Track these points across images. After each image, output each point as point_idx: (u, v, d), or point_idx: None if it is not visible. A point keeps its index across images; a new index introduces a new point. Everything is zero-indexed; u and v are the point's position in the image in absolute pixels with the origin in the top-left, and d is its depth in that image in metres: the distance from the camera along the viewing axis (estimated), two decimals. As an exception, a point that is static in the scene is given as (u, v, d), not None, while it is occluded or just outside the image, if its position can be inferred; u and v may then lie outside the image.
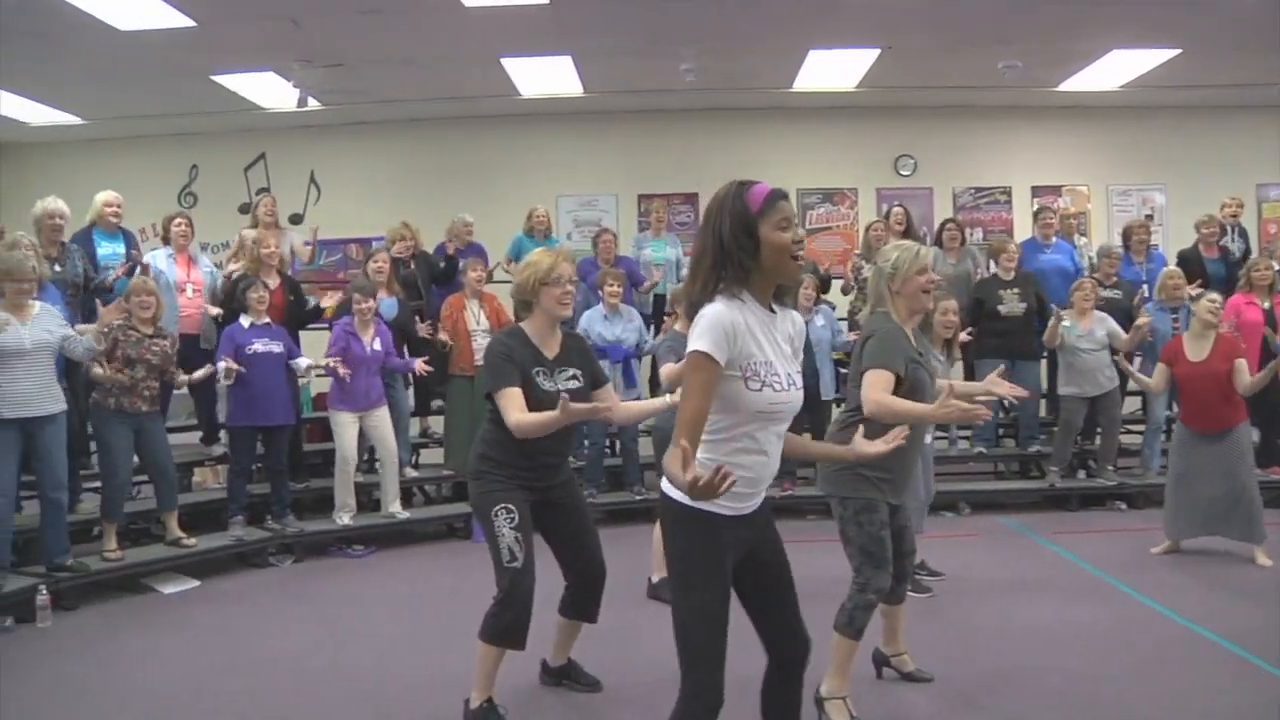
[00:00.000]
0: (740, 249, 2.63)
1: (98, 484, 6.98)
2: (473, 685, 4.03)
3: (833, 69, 9.94)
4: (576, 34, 8.75)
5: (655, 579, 5.80)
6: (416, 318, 8.03)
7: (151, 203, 11.00)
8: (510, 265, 8.57)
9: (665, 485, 2.69)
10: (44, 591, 5.67)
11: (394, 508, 7.54)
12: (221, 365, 6.75)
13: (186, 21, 8.02)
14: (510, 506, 3.94)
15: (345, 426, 7.24)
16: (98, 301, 7.11)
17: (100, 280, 7.16)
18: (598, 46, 9.13)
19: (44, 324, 5.77)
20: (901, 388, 3.76)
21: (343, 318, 7.48)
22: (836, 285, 9.58)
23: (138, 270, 7.03)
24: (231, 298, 7.55)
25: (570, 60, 9.59)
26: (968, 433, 8.80)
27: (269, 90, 10.21)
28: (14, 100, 10.38)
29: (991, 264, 9.06)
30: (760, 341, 2.66)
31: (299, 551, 7.17)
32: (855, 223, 11.51)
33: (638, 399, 7.94)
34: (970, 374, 8.80)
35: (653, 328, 8.53)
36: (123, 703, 4.50)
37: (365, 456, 8.00)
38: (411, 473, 8.05)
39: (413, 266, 8.57)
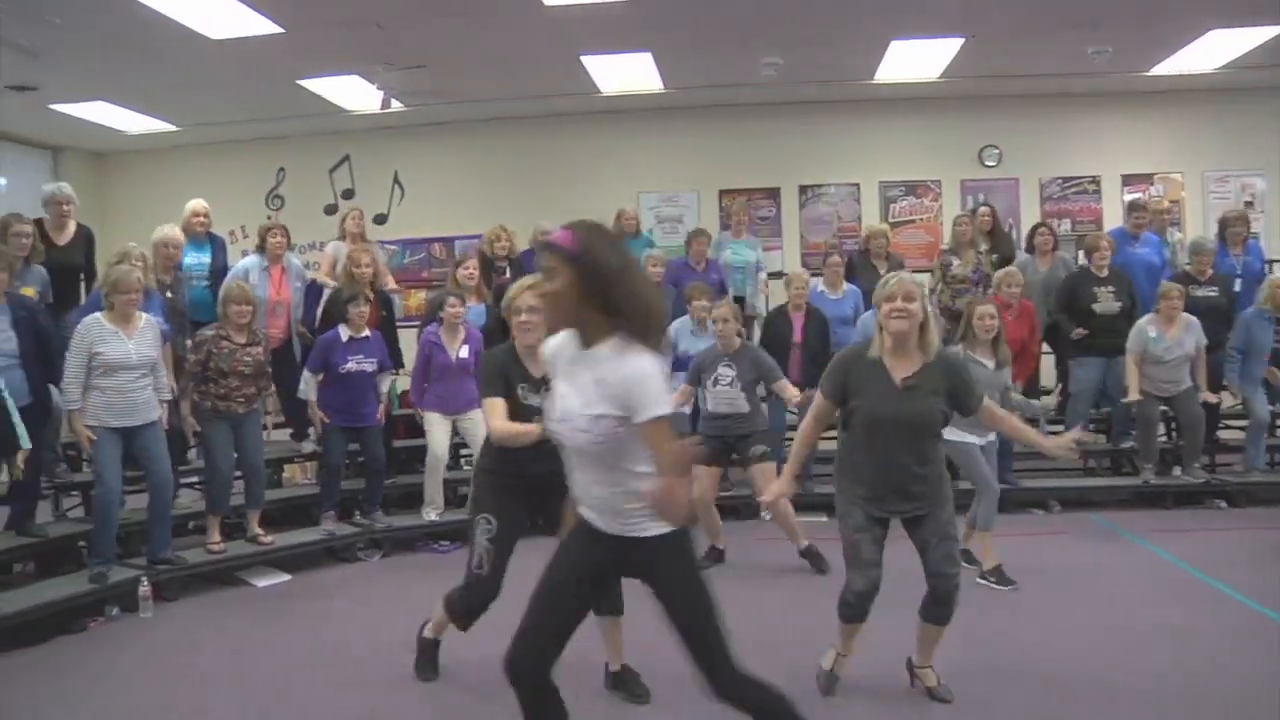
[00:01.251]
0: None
1: (194, 479, 7.28)
2: (431, 622, 4.69)
3: (915, 59, 9.85)
4: (656, 30, 8.80)
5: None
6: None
7: (240, 205, 11.37)
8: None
9: None
10: (145, 583, 5.89)
11: (480, 505, 7.61)
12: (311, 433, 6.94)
13: (274, 28, 8.25)
14: (490, 518, 4.23)
15: (436, 426, 7.35)
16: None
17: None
18: (677, 42, 9.17)
19: (147, 338, 5.99)
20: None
21: (430, 324, 7.57)
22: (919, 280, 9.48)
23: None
24: (331, 312, 7.72)
25: (650, 57, 9.65)
26: (1058, 429, 8.66)
27: (353, 93, 10.45)
28: (114, 110, 10.81)
29: (1080, 256, 8.92)
30: (561, 373, 2.97)
31: (387, 546, 7.33)
32: (939, 215, 11.40)
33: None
34: (1064, 372, 8.73)
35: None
36: (218, 691, 4.66)
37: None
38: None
39: (508, 273, 8.64)
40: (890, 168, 11.53)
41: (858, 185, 11.59)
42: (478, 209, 11.45)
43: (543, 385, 4.08)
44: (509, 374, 4.26)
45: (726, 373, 6.53)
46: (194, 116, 11.23)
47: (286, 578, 6.72)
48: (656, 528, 2.88)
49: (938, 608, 4.14)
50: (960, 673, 4.43)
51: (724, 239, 9.71)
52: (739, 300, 8.86)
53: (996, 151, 11.43)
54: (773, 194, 11.65)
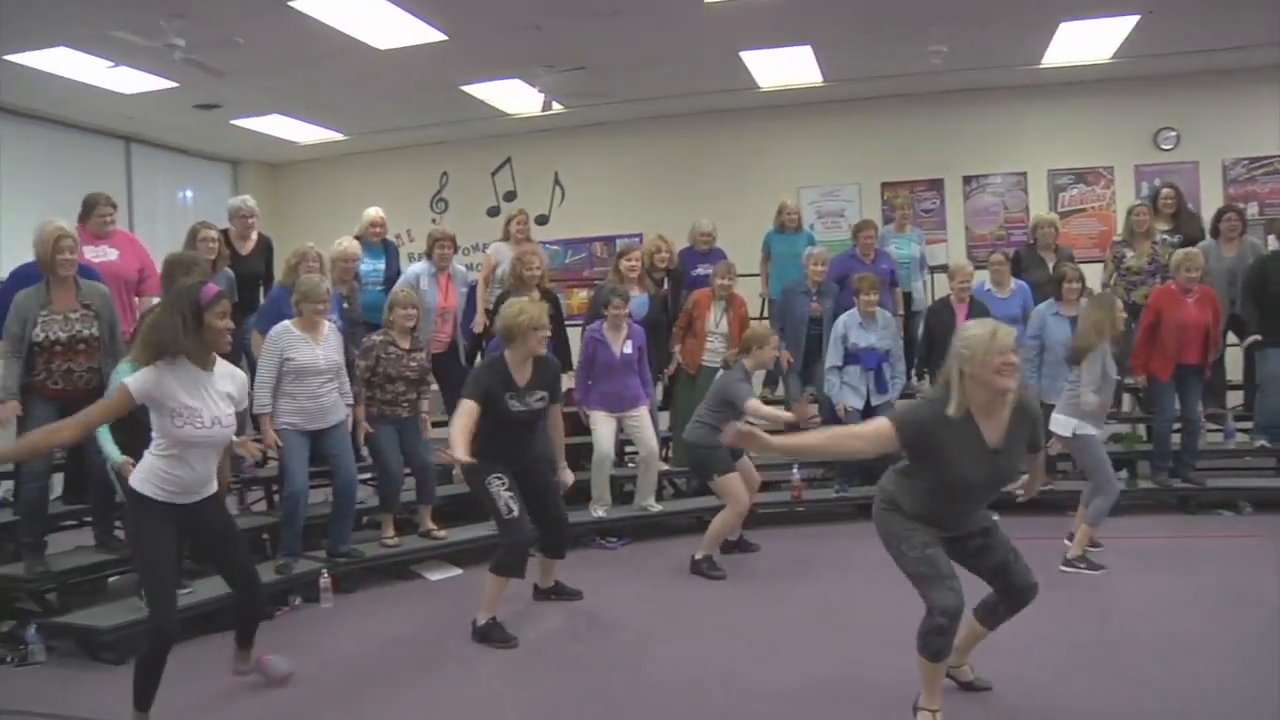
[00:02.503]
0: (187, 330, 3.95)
1: (365, 475, 7.53)
2: (480, 609, 5.30)
3: (1086, 40, 9.51)
4: (816, 22, 8.75)
5: (699, 555, 6.58)
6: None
7: (406, 208, 11.77)
8: (725, 279, 8.22)
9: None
10: (326, 575, 6.17)
11: (648, 501, 7.71)
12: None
13: (439, 36, 8.52)
14: (500, 475, 5.30)
15: (602, 424, 7.43)
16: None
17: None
18: (838, 34, 9.09)
19: (333, 344, 6.25)
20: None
21: (594, 321, 7.66)
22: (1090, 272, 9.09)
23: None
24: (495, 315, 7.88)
25: (810, 49, 9.59)
26: (1247, 424, 8.31)
27: (514, 96, 10.71)
28: (288, 122, 11.39)
29: (1271, 240, 8.50)
30: (185, 391, 3.94)
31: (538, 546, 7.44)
32: (1111, 203, 10.99)
33: (889, 403, 7.96)
34: (1250, 366, 8.35)
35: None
36: (399, 681, 4.83)
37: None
38: (662, 466, 8.17)
39: (665, 285, 8.69)
40: (1059, 155, 11.17)
41: (1024, 174, 11.27)
42: (638, 208, 11.63)
43: (527, 392, 5.33)
44: (492, 385, 5.27)
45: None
46: (362, 125, 11.70)
47: (458, 572, 6.88)
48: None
49: (1015, 612, 4.06)
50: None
51: (887, 233, 9.52)
52: (893, 285, 8.75)
53: (1173, 134, 10.92)
54: (936, 185, 11.45)
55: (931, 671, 3.85)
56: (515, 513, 5.28)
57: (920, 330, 8.86)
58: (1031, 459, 4.20)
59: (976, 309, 7.96)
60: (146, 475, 4.05)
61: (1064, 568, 6.18)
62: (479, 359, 8.06)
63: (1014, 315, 8.24)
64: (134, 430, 5.20)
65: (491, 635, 5.28)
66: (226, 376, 4.16)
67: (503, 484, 5.31)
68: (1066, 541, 6.43)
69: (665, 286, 8.69)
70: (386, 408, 6.70)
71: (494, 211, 12.33)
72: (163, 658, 4.07)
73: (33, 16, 7.65)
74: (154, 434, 4.05)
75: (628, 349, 7.46)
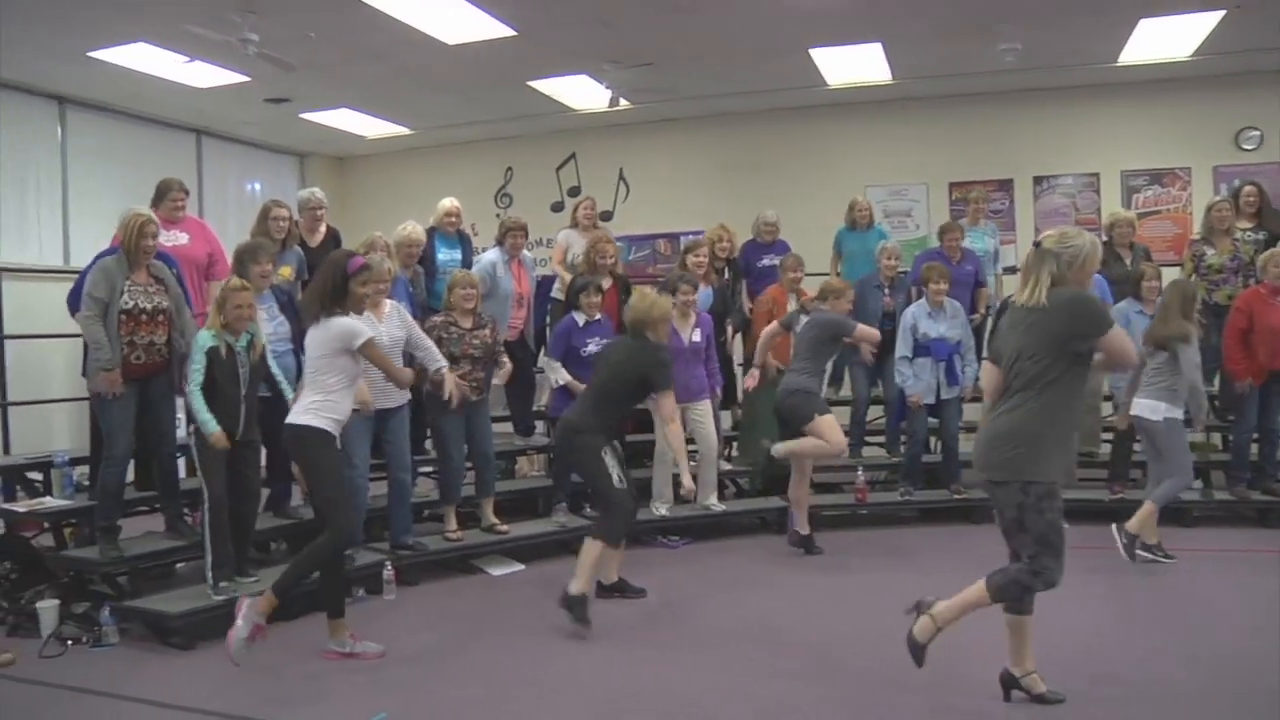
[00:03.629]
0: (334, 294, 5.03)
1: (427, 469, 7.63)
2: (576, 577, 5.46)
3: (1166, 37, 9.31)
4: (889, 20, 8.71)
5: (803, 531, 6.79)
6: None
7: (470, 204, 11.70)
8: (796, 273, 8.34)
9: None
10: (389, 567, 6.27)
11: (710, 500, 7.72)
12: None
13: (508, 31, 8.59)
14: (614, 446, 5.74)
15: (667, 419, 7.48)
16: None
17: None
18: (911, 31, 9.03)
19: (395, 322, 6.32)
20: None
21: None
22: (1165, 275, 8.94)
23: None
24: (569, 299, 7.96)
25: (880, 47, 9.55)
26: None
27: (580, 92, 10.77)
28: (356, 116, 11.55)
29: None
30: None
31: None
32: (1188, 205, 10.77)
33: (959, 398, 7.99)
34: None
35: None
36: (461, 674, 4.91)
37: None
38: (724, 465, 8.21)
39: (726, 274, 8.75)
40: (1133, 155, 10.96)
41: (1097, 175, 11.09)
42: (703, 205, 11.60)
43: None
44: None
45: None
46: (428, 120, 11.83)
47: (520, 567, 6.96)
48: None
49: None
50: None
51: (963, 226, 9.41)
52: (979, 286, 8.68)
53: (1256, 134, 10.62)
54: (1005, 186, 11.32)
55: (1018, 624, 4.09)
56: (625, 483, 5.67)
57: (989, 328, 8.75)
58: None
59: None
60: (319, 412, 5.03)
61: (1141, 552, 6.14)
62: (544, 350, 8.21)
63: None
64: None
65: (576, 609, 5.39)
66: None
67: (616, 457, 5.74)
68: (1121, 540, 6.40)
69: (726, 276, 8.74)
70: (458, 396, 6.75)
71: (558, 207, 12.41)
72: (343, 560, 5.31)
73: (116, 13, 7.87)
74: (330, 376, 5.04)
75: (696, 337, 7.51)
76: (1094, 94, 10.86)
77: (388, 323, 6.29)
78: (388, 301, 6.40)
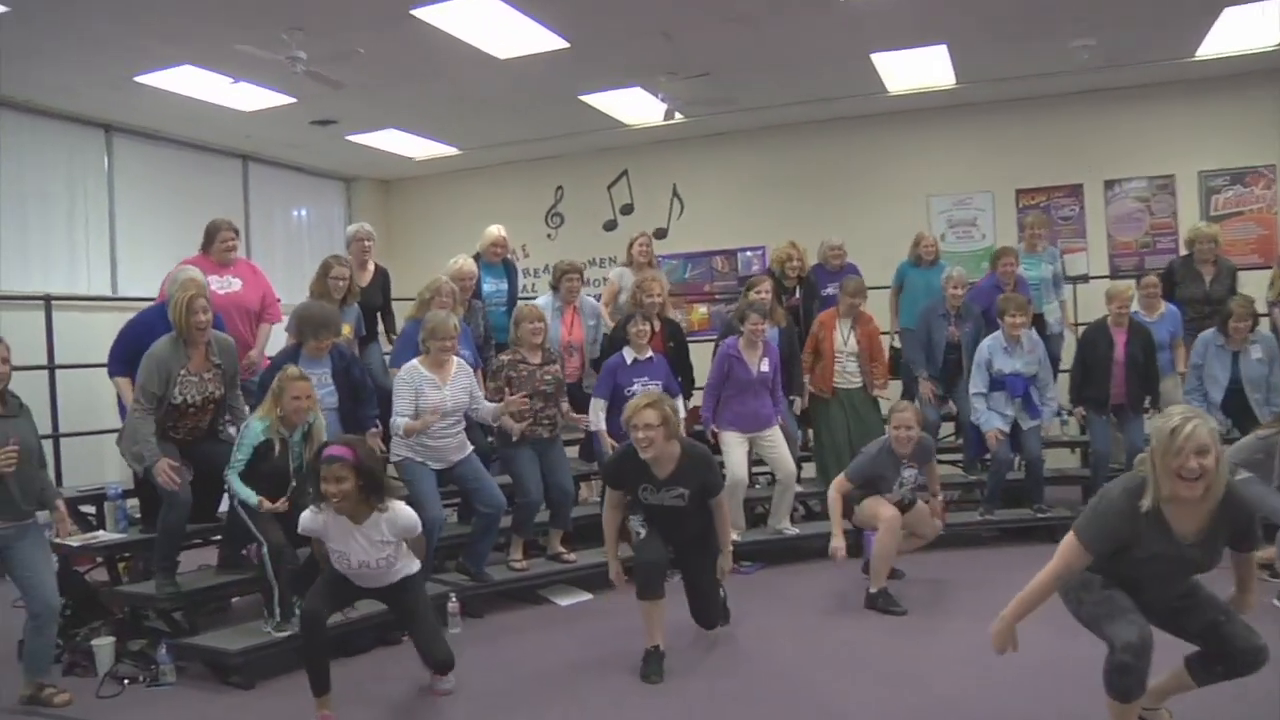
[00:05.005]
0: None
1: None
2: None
3: (1251, 26, 8.83)
4: (956, 19, 8.45)
5: (874, 589, 6.19)
6: None
7: (520, 224, 11.72)
8: (856, 299, 7.98)
9: None
10: (454, 599, 6.10)
11: (783, 524, 7.58)
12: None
13: (560, 43, 8.45)
14: (643, 519, 5.43)
15: (734, 447, 7.26)
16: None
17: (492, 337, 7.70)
18: (978, 31, 8.77)
19: (461, 383, 6.23)
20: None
21: (729, 337, 7.51)
22: (1249, 279, 8.59)
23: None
24: (616, 338, 7.72)
25: (945, 49, 9.31)
26: None
27: (633, 106, 10.62)
28: (403, 137, 11.49)
29: None
30: (336, 537, 4.63)
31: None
32: (1273, 205, 10.36)
33: (1039, 427, 7.71)
34: None
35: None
36: (529, 709, 4.74)
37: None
38: (797, 489, 7.95)
39: (798, 294, 8.53)
40: (1211, 155, 10.57)
41: (1172, 177, 10.70)
42: (759, 219, 11.48)
43: (664, 486, 5.23)
44: (633, 474, 5.28)
45: (910, 474, 6.38)
46: (476, 139, 11.74)
47: (588, 597, 6.79)
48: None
49: (1238, 676, 3.65)
50: None
51: (1018, 252, 9.07)
52: (1036, 318, 8.31)
53: (1347, 126, 10.22)
54: (1075, 191, 11.02)
55: (1121, 713, 3.52)
56: (643, 534, 5.39)
57: (1048, 352, 8.41)
58: (1240, 560, 3.74)
59: (1137, 333, 7.64)
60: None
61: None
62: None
63: (1162, 340, 7.93)
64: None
65: (642, 664, 5.19)
66: (383, 524, 4.66)
67: (641, 522, 5.46)
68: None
69: (796, 295, 8.50)
70: (526, 429, 6.61)
71: (610, 225, 12.29)
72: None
73: (160, 37, 7.83)
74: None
75: (764, 367, 7.31)
76: (1168, 91, 10.52)
77: (453, 385, 6.20)
78: (455, 359, 6.29)
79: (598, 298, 8.67)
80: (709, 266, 12.20)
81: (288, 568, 5.35)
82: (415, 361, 6.21)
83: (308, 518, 4.71)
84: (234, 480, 5.39)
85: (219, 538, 6.23)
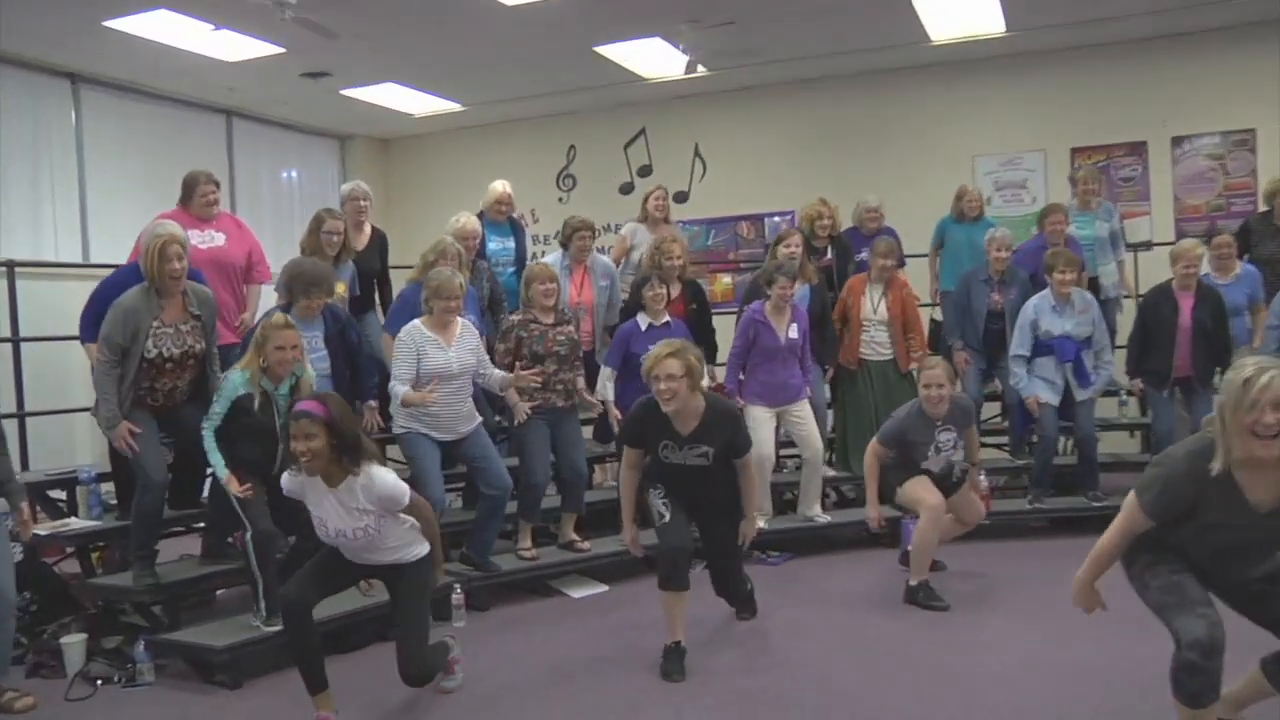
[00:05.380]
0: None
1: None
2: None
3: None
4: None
5: (913, 582, 6.15)
6: None
7: (529, 187, 11.71)
8: (888, 259, 7.90)
9: None
10: (459, 590, 6.06)
11: (813, 511, 7.52)
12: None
13: (575, -15, 8.40)
14: (659, 487, 5.35)
15: (762, 423, 7.19)
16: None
17: (501, 296, 7.65)
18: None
19: (467, 344, 6.16)
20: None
21: (753, 301, 7.47)
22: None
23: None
24: (631, 299, 7.72)
25: (997, -10, 9.21)
26: None
27: (652, 58, 10.55)
28: (402, 92, 11.44)
29: None
30: (313, 500, 4.55)
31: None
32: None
33: (1091, 399, 7.60)
34: None
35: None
36: (539, 710, 4.71)
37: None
38: (828, 472, 7.98)
39: (829, 254, 8.46)
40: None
41: (1252, 131, 10.48)
42: (789, 182, 11.39)
43: (686, 444, 5.17)
44: (653, 430, 5.21)
45: (948, 438, 6.23)
46: (482, 94, 11.69)
47: (603, 589, 6.77)
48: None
49: None
50: None
51: (1069, 209, 8.86)
52: (1090, 283, 8.22)
53: None
54: (1137, 149, 10.85)
55: (1191, 716, 3.40)
56: (666, 516, 5.25)
57: (1113, 320, 8.35)
58: None
59: (1206, 297, 7.52)
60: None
61: None
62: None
63: (1238, 305, 7.78)
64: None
65: (663, 661, 5.14)
66: (359, 491, 4.47)
67: (660, 492, 5.34)
68: None
69: (828, 256, 8.43)
70: (538, 395, 6.56)
71: (627, 189, 12.23)
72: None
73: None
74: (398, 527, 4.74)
75: (793, 333, 7.26)
76: (1246, 36, 10.27)
77: (459, 346, 6.15)
78: (459, 320, 6.24)
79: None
80: (733, 233, 12.14)
81: (275, 558, 5.31)
82: (417, 322, 6.16)
83: (288, 478, 4.63)
84: (208, 437, 5.32)
85: (203, 525, 6.20)
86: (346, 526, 4.49)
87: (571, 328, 6.82)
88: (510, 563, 6.65)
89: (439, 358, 6.07)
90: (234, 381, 5.34)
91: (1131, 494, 3.52)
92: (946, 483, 6.30)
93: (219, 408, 5.32)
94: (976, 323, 8.07)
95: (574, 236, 7.82)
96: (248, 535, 5.27)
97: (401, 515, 4.62)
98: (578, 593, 6.73)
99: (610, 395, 7.22)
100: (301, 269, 6.15)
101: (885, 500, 6.38)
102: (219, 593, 6.51)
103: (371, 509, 4.48)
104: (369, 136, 13.41)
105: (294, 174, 12.56)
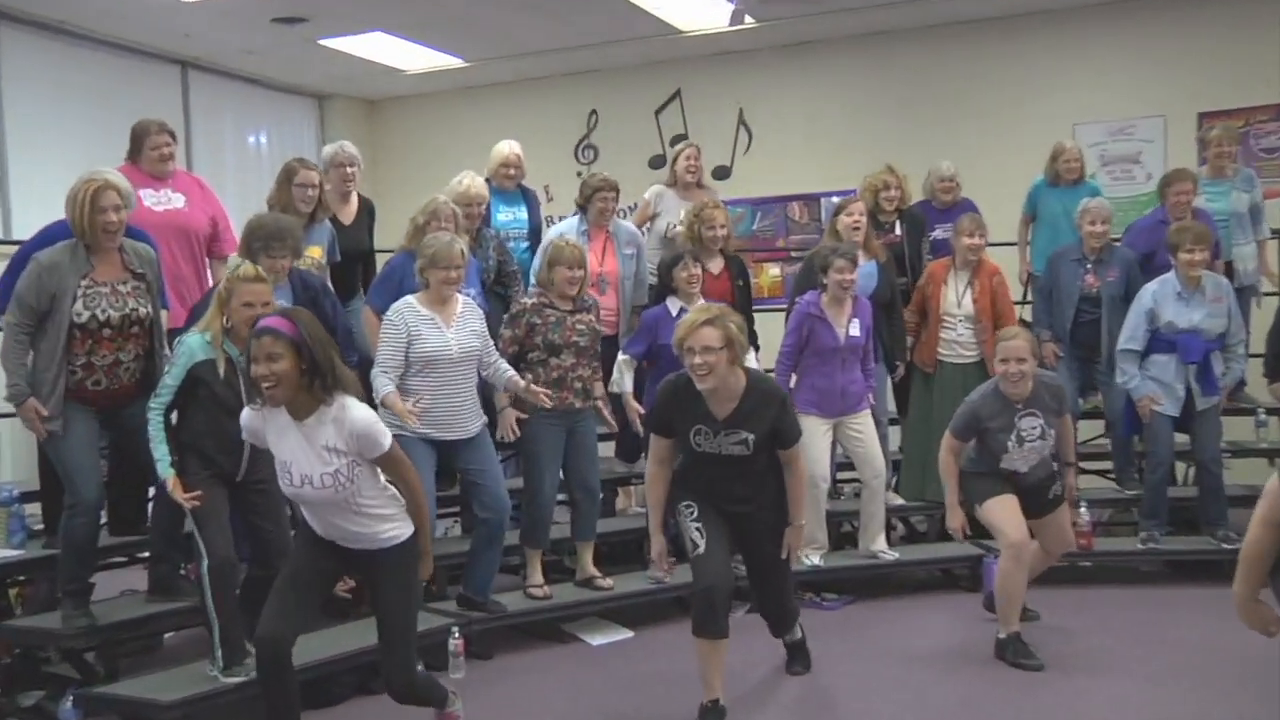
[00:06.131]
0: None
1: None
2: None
3: None
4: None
5: (1003, 635, 6.03)
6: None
7: (543, 158, 11.57)
8: (973, 238, 7.79)
9: None
10: (456, 635, 5.96)
11: (877, 545, 7.43)
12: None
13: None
14: (690, 504, 5.22)
15: (816, 437, 7.05)
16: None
17: (513, 269, 7.58)
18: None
19: (469, 324, 6.09)
20: None
21: (806, 293, 7.35)
22: None
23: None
24: (661, 280, 7.62)
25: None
26: None
27: (690, 8, 10.61)
28: (392, 43, 11.47)
29: None
30: (275, 439, 4.41)
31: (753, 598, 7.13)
32: None
33: (1216, 406, 7.46)
34: None
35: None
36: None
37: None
38: (894, 499, 7.94)
39: (898, 230, 8.36)
40: None
41: None
42: (850, 156, 11.21)
43: (723, 429, 5.09)
44: (684, 412, 5.13)
45: (1032, 425, 6.00)
46: (487, 48, 11.76)
47: (628, 635, 6.74)
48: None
49: None
50: None
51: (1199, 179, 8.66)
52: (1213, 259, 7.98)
53: None
54: (1280, 112, 10.73)
55: None
56: (701, 547, 5.13)
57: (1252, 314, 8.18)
58: None
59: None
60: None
61: None
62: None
63: None
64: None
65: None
66: (329, 424, 4.34)
67: (691, 513, 5.22)
68: None
69: (896, 231, 8.34)
70: (552, 393, 6.44)
71: (658, 162, 12.15)
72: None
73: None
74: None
75: (854, 330, 7.18)
76: None
77: (460, 326, 6.08)
78: (459, 297, 6.18)
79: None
80: (783, 216, 12.10)
81: (230, 593, 5.19)
82: (410, 298, 6.09)
83: (247, 414, 4.50)
84: (155, 419, 5.16)
85: (149, 554, 6.10)
86: (313, 471, 4.32)
87: (592, 316, 6.76)
88: (517, 602, 6.59)
89: (436, 340, 5.97)
90: (190, 346, 5.18)
91: (1275, 476, 3.52)
92: (1040, 499, 6.14)
93: (171, 378, 5.16)
94: (1065, 310, 7.89)
95: (594, 197, 7.78)
96: (204, 565, 5.12)
97: (381, 477, 4.51)
98: (597, 639, 6.70)
99: (628, 387, 7.12)
100: (261, 222, 6.00)
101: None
102: (167, 636, 6.48)
103: (343, 449, 4.33)
104: (352, 97, 13.43)
105: (262, 139, 12.58)
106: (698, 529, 5.14)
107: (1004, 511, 5.99)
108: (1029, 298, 8.92)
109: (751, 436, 5.08)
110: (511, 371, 6.27)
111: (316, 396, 4.28)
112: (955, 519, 6.13)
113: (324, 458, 4.31)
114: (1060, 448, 6.25)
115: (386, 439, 4.41)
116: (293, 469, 4.36)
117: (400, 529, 4.53)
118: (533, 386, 6.27)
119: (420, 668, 5.47)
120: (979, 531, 6.51)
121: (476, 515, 6.32)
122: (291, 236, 5.98)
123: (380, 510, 4.49)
